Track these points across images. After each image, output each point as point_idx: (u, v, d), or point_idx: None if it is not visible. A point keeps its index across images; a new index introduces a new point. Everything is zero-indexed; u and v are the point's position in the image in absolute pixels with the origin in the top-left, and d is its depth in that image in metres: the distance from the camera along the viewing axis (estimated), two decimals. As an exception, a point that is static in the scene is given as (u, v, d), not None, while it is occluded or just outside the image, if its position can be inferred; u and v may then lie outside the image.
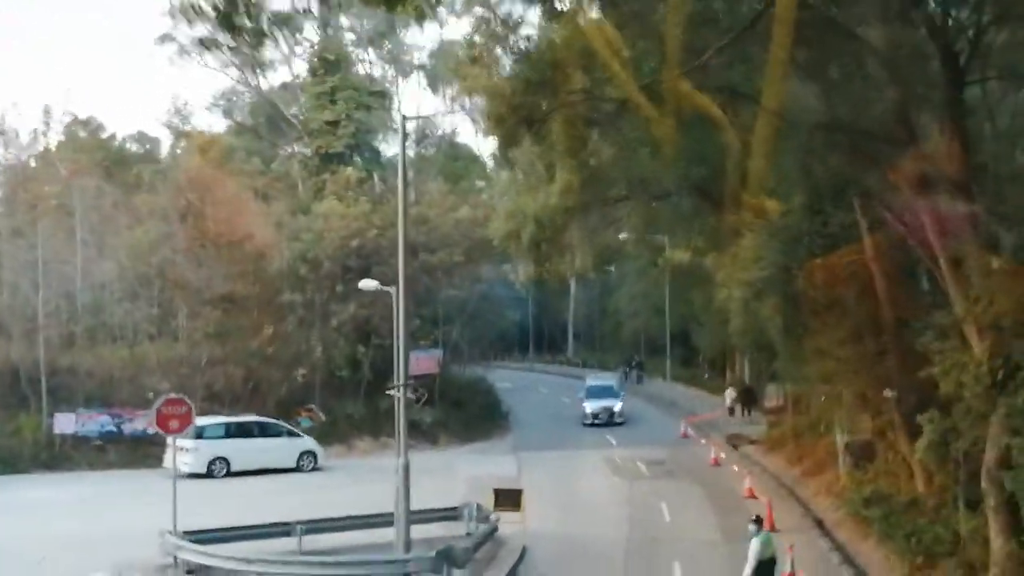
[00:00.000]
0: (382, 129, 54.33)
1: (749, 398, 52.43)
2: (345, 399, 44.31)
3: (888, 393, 26.32)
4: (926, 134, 19.89)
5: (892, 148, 19.94)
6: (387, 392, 24.02)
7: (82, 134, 58.24)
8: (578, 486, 35.18)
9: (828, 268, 27.39)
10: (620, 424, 50.68)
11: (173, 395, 23.88)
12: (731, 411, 51.96)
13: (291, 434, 38.95)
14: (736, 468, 37.98)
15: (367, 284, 25.51)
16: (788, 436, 40.06)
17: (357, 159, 52.22)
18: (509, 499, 27.61)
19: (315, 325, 43.18)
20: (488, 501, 27.50)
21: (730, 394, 53.01)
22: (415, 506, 24.27)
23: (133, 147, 64.91)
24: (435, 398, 47.14)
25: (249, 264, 42.29)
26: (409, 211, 48.45)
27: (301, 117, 54.45)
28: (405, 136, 25.18)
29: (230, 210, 41.75)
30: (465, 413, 49.84)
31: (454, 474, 37.39)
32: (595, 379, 55.99)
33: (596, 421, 50.77)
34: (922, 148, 19.52)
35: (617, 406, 51.38)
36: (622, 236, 44.56)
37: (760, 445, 42.39)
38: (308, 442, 39.00)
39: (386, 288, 24.22)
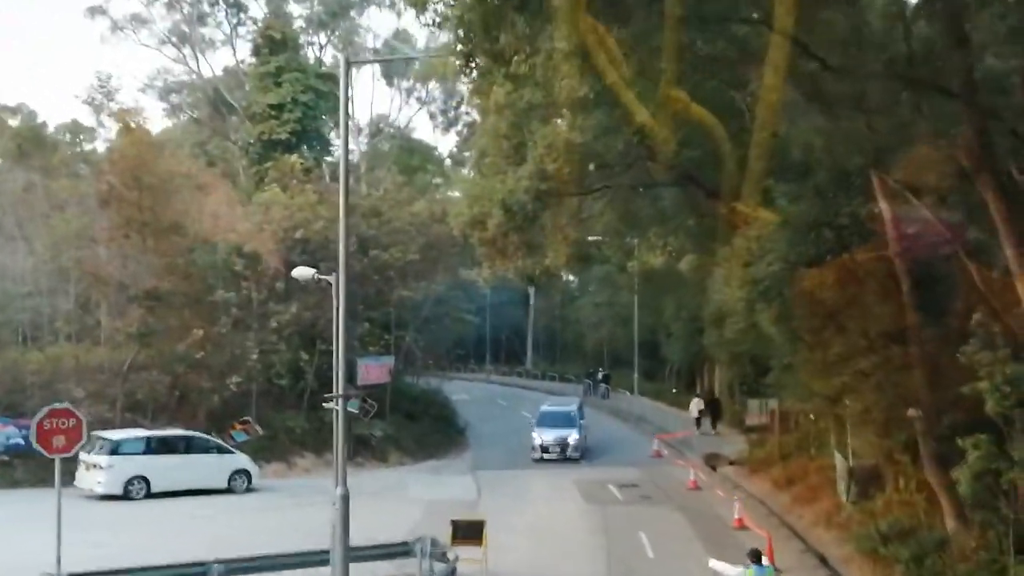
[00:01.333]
0: (331, 116, 50.04)
1: (716, 410, 49.92)
2: (285, 411, 39.95)
3: (913, 412, 22.56)
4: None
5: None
6: (324, 404, 19.84)
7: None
8: (546, 513, 31.26)
9: (842, 266, 23.70)
10: (576, 460, 42.35)
11: (57, 405, 19.40)
12: (697, 422, 49.42)
13: (222, 450, 34.60)
14: (720, 492, 34.32)
15: (302, 272, 21.45)
16: (774, 457, 36.49)
17: (304, 147, 47.95)
18: (469, 531, 23.56)
19: (252, 327, 38.79)
20: (445, 532, 23.39)
21: (696, 404, 50.44)
22: (359, 539, 20.55)
23: (65, 137, 59.88)
24: (386, 410, 43.01)
25: (179, 257, 37.79)
26: (359, 203, 44.69)
27: (244, 102, 50.06)
28: (348, 83, 21.30)
29: (159, 197, 37.21)
30: (419, 427, 45.84)
31: (405, 497, 33.56)
32: (552, 404, 46.81)
33: (547, 456, 42.31)
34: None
35: (573, 437, 42.63)
36: (591, 239, 40.46)
37: (741, 466, 38.68)
38: (241, 459, 34.74)
39: (324, 277, 20.14)
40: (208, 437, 34.75)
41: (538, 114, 25.46)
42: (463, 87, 62.27)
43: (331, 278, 19.48)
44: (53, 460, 19.28)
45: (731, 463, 39.72)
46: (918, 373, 22.40)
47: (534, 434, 43.09)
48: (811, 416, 36.39)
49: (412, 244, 42.67)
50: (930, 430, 22.38)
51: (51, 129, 56.58)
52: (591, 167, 26.45)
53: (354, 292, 40.09)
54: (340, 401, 18.39)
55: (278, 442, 39.32)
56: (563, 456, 42.26)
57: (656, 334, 61.33)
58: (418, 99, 65.99)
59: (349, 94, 20.18)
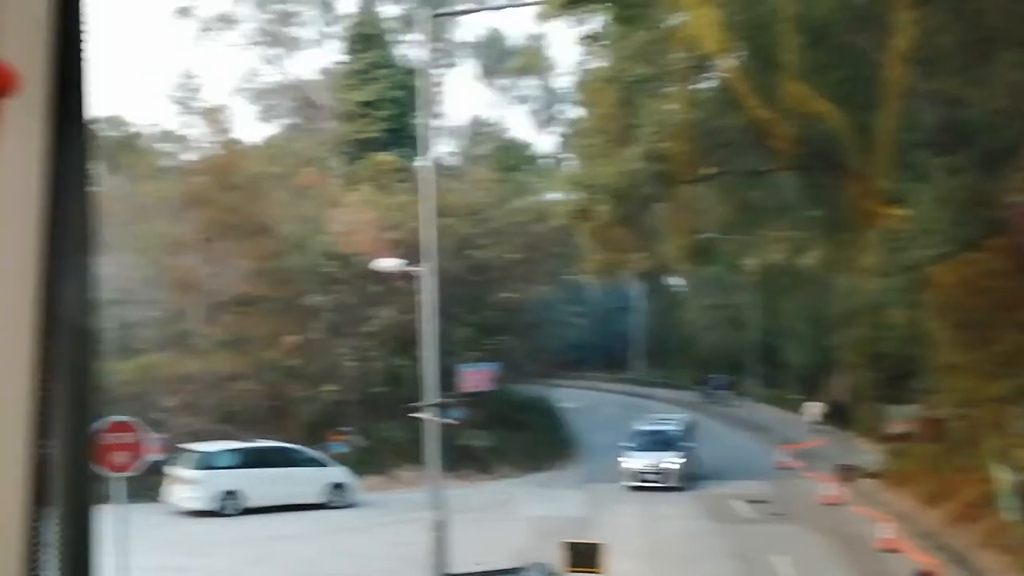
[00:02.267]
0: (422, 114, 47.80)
1: (838, 412, 46.79)
2: (384, 421, 37.59)
3: None
4: None
5: None
6: (411, 414, 17.41)
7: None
8: (668, 533, 28.25)
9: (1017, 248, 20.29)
10: (679, 490, 35.18)
11: (117, 417, 17.25)
12: (812, 426, 46.90)
13: (318, 463, 32.52)
14: (859, 509, 30.78)
15: (388, 263, 18.84)
16: (920, 470, 32.65)
17: (396, 146, 45.75)
18: (585, 556, 20.64)
19: (347, 333, 36.58)
20: (556, 556, 20.57)
21: (811, 408, 47.85)
22: (462, 564, 17.92)
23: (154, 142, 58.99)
24: (489, 420, 40.33)
25: (269, 261, 35.82)
26: (455, 201, 42.34)
27: (333, 100, 48.23)
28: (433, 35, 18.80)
29: (247, 198, 35.40)
30: (524, 437, 43.06)
31: (511, 514, 30.72)
32: (652, 421, 40.39)
33: (644, 483, 35.12)
34: None
35: (674, 462, 35.60)
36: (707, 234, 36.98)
37: (880, 479, 35.00)
38: (338, 472, 32.64)
39: (412, 268, 17.60)
40: (304, 449, 32.69)
41: (648, 89, 22.68)
42: (562, 79, 60.16)
43: (420, 269, 16.93)
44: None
45: (868, 476, 36.09)
46: None
47: (627, 458, 35.88)
48: (967, 424, 32.71)
49: (512, 243, 40.04)
50: None
51: (143, 136, 55.68)
52: (707, 148, 23.41)
53: (452, 294, 37.94)
54: (434, 411, 15.81)
55: (378, 453, 37.12)
56: (663, 485, 35.04)
57: (774, 337, 57.59)
58: (517, 97, 63.93)
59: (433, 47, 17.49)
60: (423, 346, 16.62)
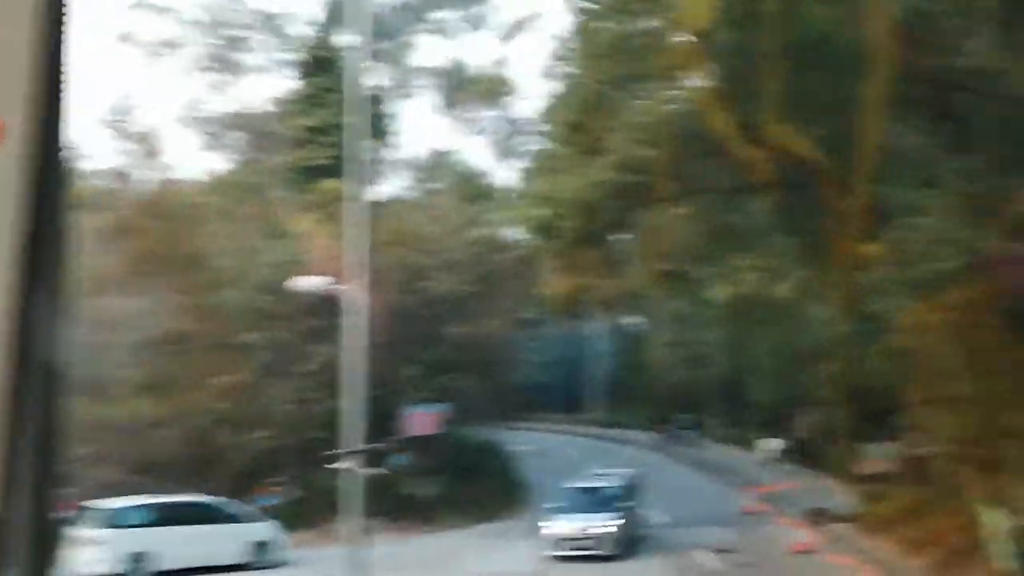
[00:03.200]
0: (376, 140, 45.55)
1: (801, 449, 45.46)
2: (322, 469, 34.73)
3: None
4: None
5: None
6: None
7: None
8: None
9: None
10: (612, 559, 29.33)
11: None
12: (772, 463, 46.00)
13: (242, 518, 29.60)
14: (836, 558, 28.51)
15: (309, 283, 16.37)
16: (902, 513, 30.42)
17: (347, 174, 43.32)
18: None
19: (283, 373, 33.92)
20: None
21: (771, 444, 46.61)
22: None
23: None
24: (438, 466, 37.73)
25: (202, 296, 33.14)
26: (406, 228, 40.08)
27: (283, 127, 45.84)
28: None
29: (183, 230, 32.76)
30: (475, 485, 40.45)
31: (457, 569, 28.18)
32: (587, 476, 34.25)
33: (571, 552, 29.21)
34: None
35: (610, 525, 29.54)
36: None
37: (856, 524, 32.71)
38: (264, 528, 29.85)
39: (339, 287, 15.20)
40: (226, 503, 29.81)
41: (623, 91, 20.54)
42: (525, 106, 58.18)
43: (346, 288, 14.48)
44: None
45: (841, 519, 33.83)
46: None
47: (549, 523, 29.95)
48: (954, 464, 30.59)
49: (468, 275, 37.71)
50: None
51: (75, 164, 52.90)
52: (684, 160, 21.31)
53: (401, 329, 35.43)
54: (358, 459, 13.33)
55: (314, 506, 34.19)
56: (594, 553, 29.00)
57: (739, 374, 55.53)
58: (477, 128, 61.94)
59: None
60: (349, 384, 13.99)
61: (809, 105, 21.72)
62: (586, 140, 21.78)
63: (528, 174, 34.79)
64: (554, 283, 23.93)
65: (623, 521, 30.25)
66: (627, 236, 23.56)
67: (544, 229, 21.37)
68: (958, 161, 18.34)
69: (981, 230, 16.88)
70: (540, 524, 30.14)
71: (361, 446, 15.79)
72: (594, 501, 30.82)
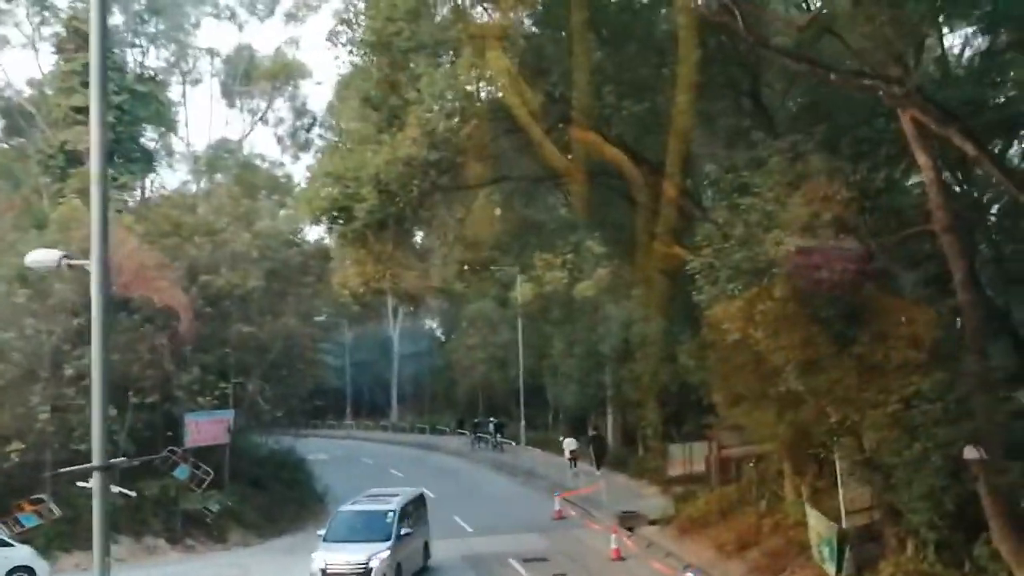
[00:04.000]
0: (155, 123, 41.61)
1: (600, 448, 44.41)
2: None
3: (973, 452, 15.86)
4: None
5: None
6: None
7: None
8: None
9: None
10: None
11: None
12: (572, 463, 44.32)
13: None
14: (654, 564, 27.27)
15: (41, 257, 13.19)
16: (711, 514, 29.56)
17: (119, 159, 39.21)
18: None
19: (42, 377, 29.82)
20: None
21: (569, 444, 44.97)
22: None
23: None
24: (224, 478, 34.42)
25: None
26: (185, 219, 36.49)
27: (46, 107, 41.19)
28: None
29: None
30: (267, 496, 37.37)
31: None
32: (362, 500, 28.71)
33: None
34: None
35: (378, 558, 25.07)
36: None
37: (667, 526, 31.65)
38: (22, 553, 26.17)
39: (76, 262, 12.16)
40: (-22, 528, 25.80)
41: (426, 58, 18.33)
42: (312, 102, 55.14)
43: (86, 263, 11.48)
44: None
45: (653, 522, 32.75)
46: (981, 399, 15.88)
47: (316, 556, 25.44)
48: (754, 462, 29.89)
49: (255, 269, 34.46)
50: (997, 478, 15.81)
51: None
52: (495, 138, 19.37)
53: (180, 329, 31.94)
54: (98, 477, 10.43)
55: (82, 526, 30.22)
56: None
57: (540, 376, 54.29)
58: (263, 120, 58.31)
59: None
60: (93, 385, 10.94)
61: (619, 86, 20.24)
62: (383, 114, 19.45)
63: (319, 158, 31.92)
64: (347, 274, 21.45)
65: (389, 552, 25.29)
66: (428, 223, 21.31)
67: (336, 211, 18.77)
68: (784, 141, 17.20)
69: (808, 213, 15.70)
70: (313, 556, 25.46)
71: (115, 460, 12.77)
72: (368, 526, 26.15)
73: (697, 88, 18.78)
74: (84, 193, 33.46)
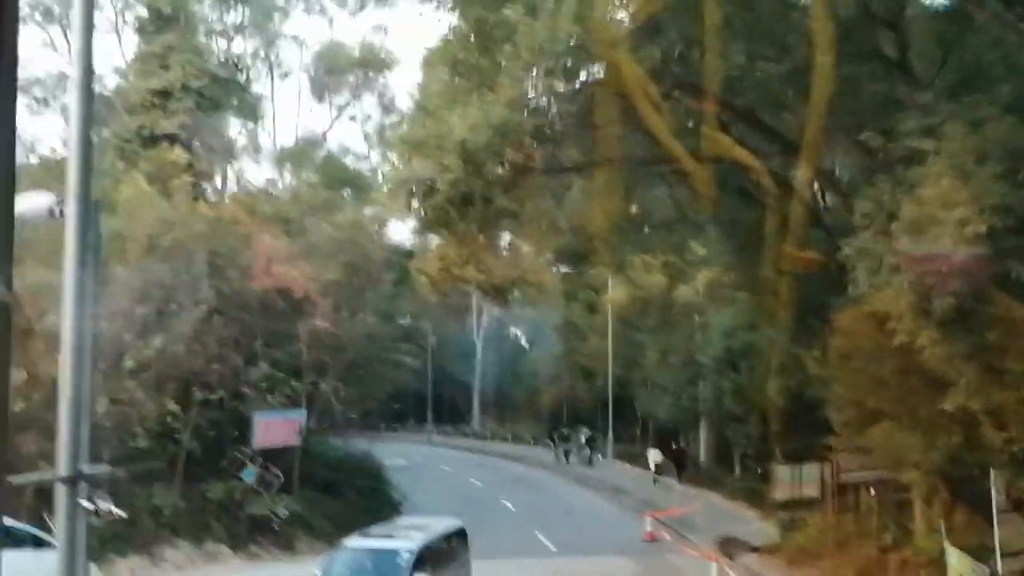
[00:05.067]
0: (238, 113, 39.96)
1: (680, 460, 43.09)
2: (151, 485, 29.03)
3: None
4: None
5: None
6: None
7: None
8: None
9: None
10: None
11: None
12: (656, 475, 42.93)
13: (41, 543, 23.62)
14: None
15: (29, 202, 10.59)
16: (827, 544, 26.47)
17: (198, 145, 37.62)
18: None
19: (100, 370, 27.97)
20: None
21: (654, 456, 43.40)
22: None
23: None
24: (294, 482, 32.31)
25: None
26: (261, 207, 34.64)
27: (124, 89, 39.80)
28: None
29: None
30: (340, 503, 35.14)
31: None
32: (374, 532, 22.49)
33: None
34: None
35: None
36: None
37: (772, 555, 28.64)
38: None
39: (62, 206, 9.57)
40: (20, 526, 23.82)
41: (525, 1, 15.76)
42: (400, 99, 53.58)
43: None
44: None
45: (754, 550, 29.75)
46: None
47: None
48: (873, 489, 26.67)
49: (332, 263, 32.35)
50: None
51: None
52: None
53: (248, 322, 29.98)
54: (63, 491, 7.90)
55: (140, 528, 28.46)
56: None
57: (629, 387, 51.43)
58: (352, 119, 56.82)
59: None
60: (61, 368, 8.42)
61: (751, 43, 17.46)
62: (473, 78, 16.96)
63: (397, 127, 29.58)
64: (427, 259, 18.98)
65: None
66: (520, 204, 18.67)
67: (418, 186, 16.28)
68: (959, 103, 14.29)
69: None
70: None
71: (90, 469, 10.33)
72: (376, 569, 20.02)
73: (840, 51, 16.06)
74: (155, 177, 31.89)
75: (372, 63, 49.54)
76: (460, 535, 22.63)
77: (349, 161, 55.13)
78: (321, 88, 56.02)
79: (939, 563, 21.09)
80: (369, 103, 56.65)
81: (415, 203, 16.57)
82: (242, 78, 41.31)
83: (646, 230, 28.15)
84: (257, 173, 59.21)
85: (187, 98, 37.22)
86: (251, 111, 42.66)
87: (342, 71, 52.15)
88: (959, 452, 16.59)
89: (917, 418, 17.15)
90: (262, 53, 52.67)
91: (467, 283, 22.84)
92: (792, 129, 17.64)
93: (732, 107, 17.72)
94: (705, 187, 20.08)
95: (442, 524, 22.92)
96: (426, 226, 18.64)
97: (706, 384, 39.99)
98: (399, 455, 51.88)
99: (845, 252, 15.01)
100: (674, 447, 44.26)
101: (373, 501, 37.54)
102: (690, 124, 19.72)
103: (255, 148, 50.38)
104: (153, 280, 27.65)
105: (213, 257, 28.68)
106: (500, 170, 15.88)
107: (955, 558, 19.88)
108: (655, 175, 24.12)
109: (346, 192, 48.23)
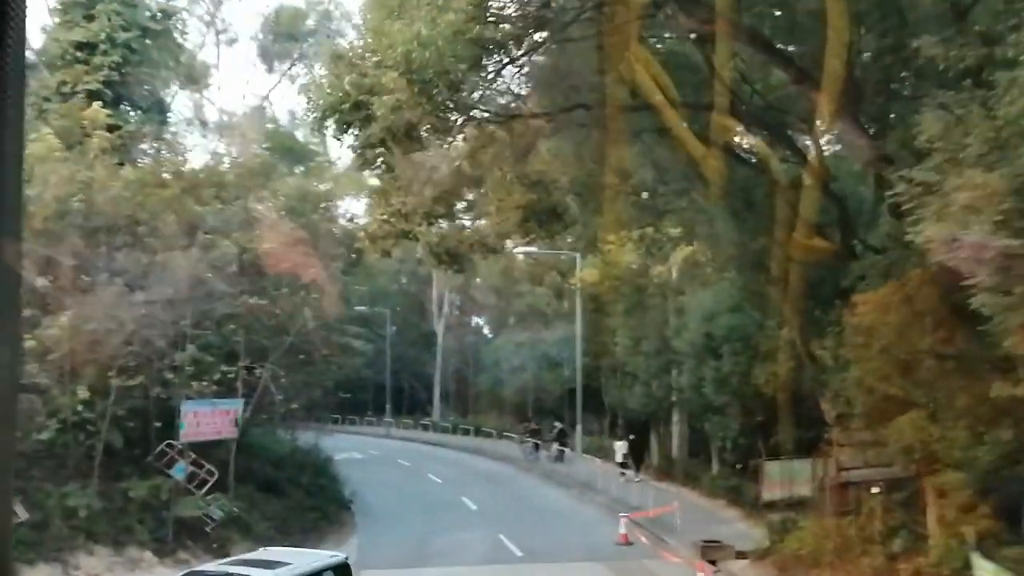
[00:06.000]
0: (173, 71, 36.32)
1: (637, 451, 41.83)
2: (66, 483, 25.55)
3: None
4: None
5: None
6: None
7: None
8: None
9: None
10: None
11: None
12: (623, 469, 40.34)
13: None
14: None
15: None
16: (825, 550, 23.52)
17: (126, 106, 34.03)
18: None
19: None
20: None
21: (620, 448, 41.62)
22: None
23: None
24: (229, 479, 28.88)
25: None
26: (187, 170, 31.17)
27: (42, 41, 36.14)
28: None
29: None
30: (282, 502, 31.81)
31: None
32: (230, 564, 18.72)
33: None
34: None
35: None
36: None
37: (761, 561, 25.71)
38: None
39: None
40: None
41: None
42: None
43: None
44: None
45: (741, 555, 26.78)
46: None
47: None
48: (880, 490, 23.72)
49: (273, 233, 28.94)
50: None
51: None
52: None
53: (175, 300, 26.48)
54: None
55: (52, 531, 25.07)
56: None
57: (597, 377, 48.44)
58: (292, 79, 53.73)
59: None
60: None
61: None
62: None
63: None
64: (372, 209, 15.83)
65: None
66: (480, 145, 15.39)
67: (352, 108, 12.92)
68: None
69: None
70: None
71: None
72: None
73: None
74: (64, 132, 28.32)
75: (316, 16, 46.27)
76: (341, 570, 18.39)
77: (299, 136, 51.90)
78: (271, 56, 52.85)
79: (960, 574, 18.40)
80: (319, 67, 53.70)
81: (352, 135, 13.26)
82: (178, 35, 37.65)
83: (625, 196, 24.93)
84: (198, 139, 56.01)
85: (114, 52, 33.64)
86: (188, 71, 39.14)
87: (293, 37, 48.75)
88: (1012, 450, 13.67)
89: (954, 408, 14.18)
90: (208, 18, 49.40)
91: (415, 240, 19.57)
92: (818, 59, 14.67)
93: (753, 36, 14.69)
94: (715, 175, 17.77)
95: (317, 558, 19.17)
96: (362, 166, 15.26)
97: (681, 372, 37.04)
98: (355, 448, 48.76)
99: (898, 190, 11.92)
100: (630, 438, 41.95)
101: (320, 499, 34.26)
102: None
103: (196, 113, 47.11)
104: (62, 249, 24.14)
105: (132, 224, 25.18)
106: (452, 88, 12.63)
107: (985, 571, 17.04)
108: (632, 131, 20.95)
109: (298, 169, 45.01)
